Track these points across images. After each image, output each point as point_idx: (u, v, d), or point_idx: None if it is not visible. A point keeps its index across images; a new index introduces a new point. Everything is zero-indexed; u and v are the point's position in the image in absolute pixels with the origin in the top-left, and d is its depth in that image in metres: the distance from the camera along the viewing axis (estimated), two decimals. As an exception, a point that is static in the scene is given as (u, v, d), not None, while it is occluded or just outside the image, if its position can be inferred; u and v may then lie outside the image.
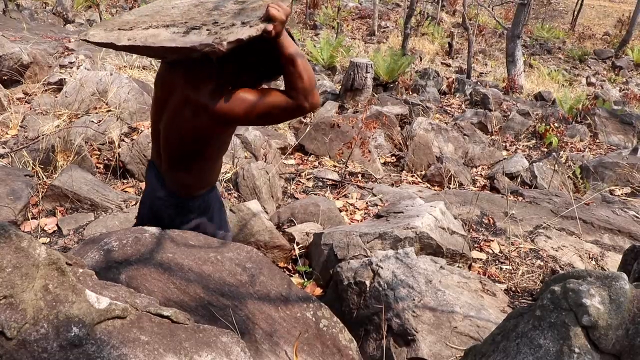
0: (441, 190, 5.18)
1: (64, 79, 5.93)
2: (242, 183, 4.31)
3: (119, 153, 4.41)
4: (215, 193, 2.36)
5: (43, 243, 2.29)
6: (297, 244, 3.51)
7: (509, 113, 8.92)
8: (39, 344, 1.30)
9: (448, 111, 9.06)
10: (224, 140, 2.11)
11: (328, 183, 5.05)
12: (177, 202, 2.24)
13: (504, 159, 6.82)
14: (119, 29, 1.90)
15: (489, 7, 14.89)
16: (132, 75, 6.38)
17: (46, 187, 3.87)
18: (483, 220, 4.07)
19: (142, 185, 4.33)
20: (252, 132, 5.07)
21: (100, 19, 10.91)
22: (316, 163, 5.74)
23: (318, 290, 3.07)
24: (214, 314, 1.92)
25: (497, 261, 3.47)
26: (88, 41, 1.90)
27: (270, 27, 1.68)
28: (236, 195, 4.29)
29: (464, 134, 7.15)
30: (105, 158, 4.52)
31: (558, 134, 7.63)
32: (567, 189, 5.68)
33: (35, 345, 1.29)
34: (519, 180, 6.02)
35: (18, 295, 1.30)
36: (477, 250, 3.58)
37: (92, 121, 4.79)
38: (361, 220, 4.15)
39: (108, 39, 1.85)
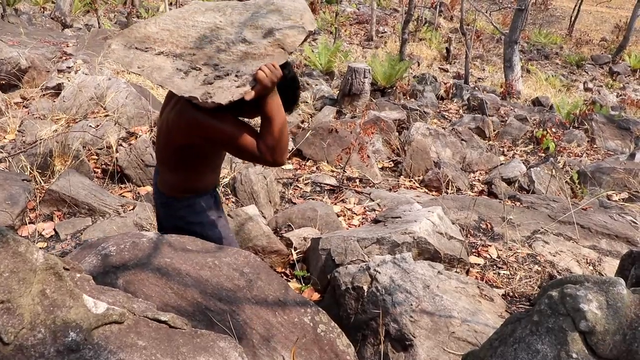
0: (439, 196, 5.19)
1: (62, 83, 5.93)
2: (239, 188, 4.31)
3: (116, 158, 4.41)
4: (207, 199, 2.40)
5: (40, 248, 2.28)
6: (295, 249, 3.51)
7: (506, 118, 8.94)
8: (36, 349, 1.29)
9: (446, 116, 9.08)
10: (205, 155, 2.21)
11: (326, 188, 5.05)
12: (164, 201, 2.37)
13: (502, 164, 6.83)
14: (136, 48, 2.08)
15: (486, 12, 14.95)
16: (130, 80, 6.38)
17: (44, 191, 3.86)
18: (481, 225, 4.07)
19: (140, 190, 4.33)
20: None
21: (99, 24, 10.92)
22: (314, 168, 5.74)
23: (316, 295, 3.07)
24: (211, 318, 1.92)
25: (494, 266, 3.47)
26: (109, 47, 2.11)
27: (250, 94, 1.89)
28: (234, 200, 4.29)
29: (462, 139, 7.16)
30: (103, 163, 4.52)
31: (555, 139, 7.64)
32: (564, 194, 5.69)
33: (33, 351, 1.29)
34: (516, 185, 6.02)
35: (15, 300, 1.29)
36: (475, 256, 3.58)
37: (90, 126, 4.78)
38: (359, 226, 4.15)
39: (123, 60, 2.04)
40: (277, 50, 2.02)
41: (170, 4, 14.88)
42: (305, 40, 2.11)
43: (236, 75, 1.94)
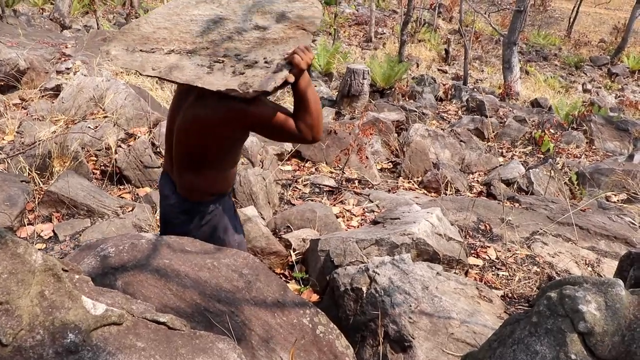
0: (438, 197, 5.18)
1: (61, 84, 5.93)
2: (238, 189, 4.31)
3: (115, 159, 4.41)
4: (227, 201, 2.38)
5: (39, 249, 2.28)
6: (294, 250, 3.51)
7: (505, 119, 8.95)
8: (35, 350, 1.29)
9: (445, 117, 9.08)
10: (233, 150, 2.20)
11: (325, 189, 5.05)
12: (188, 207, 2.29)
13: (501, 165, 6.83)
14: (140, 50, 2.01)
15: (485, 13, 14.95)
16: (129, 81, 6.38)
17: (42, 193, 3.86)
18: (479, 226, 4.08)
19: (139, 191, 4.33)
20: (248, 138, 5.07)
21: (98, 25, 10.91)
22: (313, 169, 5.74)
23: (315, 297, 3.07)
24: (210, 320, 1.92)
25: (493, 267, 3.47)
26: (108, 54, 2.01)
27: (291, 77, 1.90)
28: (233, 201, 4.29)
29: (461, 141, 7.17)
30: (101, 164, 4.52)
31: (554, 141, 7.65)
32: (563, 195, 5.69)
33: (31, 352, 1.29)
34: (515, 186, 6.03)
35: (14, 302, 1.29)
36: (474, 257, 3.58)
37: (89, 127, 4.79)
38: (358, 227, 4.15)
39: (132, 65, 1.97)
40: (299, 32, 2.03)
41: (169, 5, 14.86)
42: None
43: (265, 62, 1.93)
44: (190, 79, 1.88)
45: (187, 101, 2.09)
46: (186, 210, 2.30)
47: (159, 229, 2.59)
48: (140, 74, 1.96)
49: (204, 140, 2.08)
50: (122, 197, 4.18)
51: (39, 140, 4.37)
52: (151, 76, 1.95)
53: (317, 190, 5.01)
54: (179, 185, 2.25)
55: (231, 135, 2.09)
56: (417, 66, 14.01)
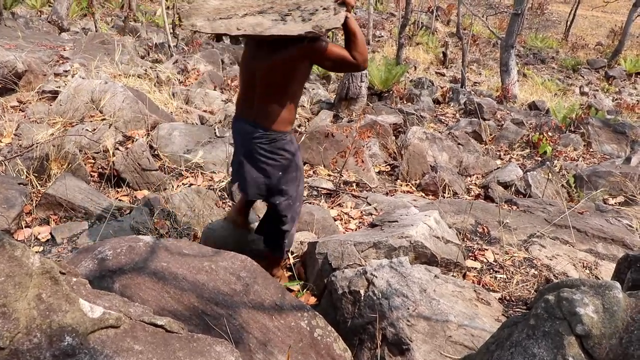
0: (435, 199, 5.19)
1: (59, 87, 5.92)
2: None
3: (113, 162, 4.41)
4: (295, 140, 2.90)
5: (36, 252, 2.28)
6: (292, 253, 3.51)
7: (503, 122, 8.96)
8: (32, 353, 1.29)
9: (442, 120, 9.09)
10: (302, 81, 2.73)
11: (322, 192, 5.05)
12: (274, 136, 2.75)
13: (498, 168, 6.84)
14: (220, 18, 2.52)
15: (483, 16, 14.99)
16: (127, 84, 6.38)
17: (40, 195, 3.86)
18: (477, 229, 4.08)
19: (137, 194, 4.32)
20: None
21: (96, 28, 10.91)
22: (311, 172, 5.74)
23: (312, 300, 3.06)
24: (208, 323, 1.92)
25: (491, 270, 3.48)
26: (198, 31, 2.54)
27: (348, 14, 2.49)
28: (231, 204, 4.29)
29: (459, 143, 7.17)
30: (99, 166, 4.51)
31: (552, 143, 7.66)
32: (561, 197, 5.70)
33: (28, 355, 1.28)
34: (513, 189, 6.03)
35: (11, 305, 1.29)
36: (472, 259, 3.59)
37: (87, 129, 4.78)
38: (356, 229, 4.15)
39: (219, 29, 2.44)
40: None
41: (168, 7, 14.89)
42: None
43: (324, 8, 2.49)
44: (271, 31, 2.36)
45: (263, 50, 2.60)
46: (272, 139, 2.74)
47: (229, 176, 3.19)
48: (230, 35, 2.45)
49: (284, 74, 2.61)
50: (120, 200, 4.17)
51: (37, 143, 4.36)
52: (239, 35, 2.41)
53: (315, 192, 5.01)
54: (264, 117, 2.72)
55: (304, 70, 2.65)
56: (415, 69, 14.04)
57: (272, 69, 2.61)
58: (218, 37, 13.98)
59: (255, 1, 2.64)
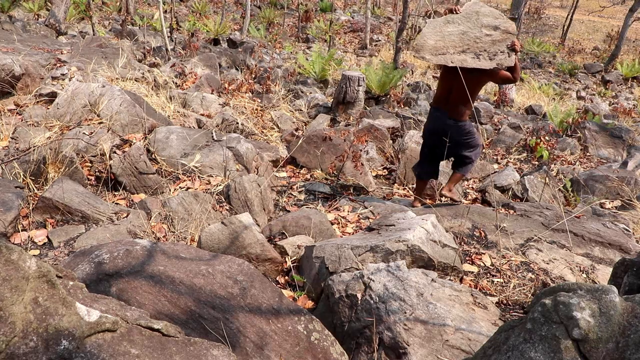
0: (433, 203, 5.19)
1: (56, 90, 5.91)
2: (233, 195, 4.31)
3: (110, 165, 4.40)
4: (472, 124, 4.65)
5: (33, 255, 2.27)
6: (289, 256, 3.50)
7: (500, 126, 8.99)
8: (28, 357, 1.29)
9: (439, 124, 9.09)
10: (479, 92, 4.59)
11: (320, 196, 5.05)
12: (459, 124, 4.53)
13: (495, 172, 6.85)
14: (440, 54, 4.15)
15: (479, 21, 14.99)
16: (125, 87, 6.38)
17: (37, 198, 3.85)
18: (474, 233, 4.08)
19: (134, 197, 4.32)
20: (243, 145, 5.08)
21: (93, 31, 10.92)
22: (308, 176, 5.74)
23: (309, 303, 3.06)
24: (204, 326, 1.91)
25: (488, 274, 3.48)
26: (424, 58, 4.18)
27: (518, 56, 4.26)
28: (228, 208, 4.29)
29: (456, 147, 7.17)
30: (96, 170, 4.51)
31: (549, 147, 7.69)
32: (557, 202, 5.71)
33: (24, 359, 1.28)
34: (510, 193, 6.05)
35: (7, 308, 1.29)
36: (469, 263, 3.59)
37: (84, 133, 4.77)
38: (353, 233, 4.15)
39: (440, 61, 4.19)
40: (507, 35, 4.22)
41: (165, 11, 14.91)
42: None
43: (500, 52, 4.19)
44: (475, 65, 4.17)
45: (459, 74, 4.01)
46: (459, 125, 4.52)
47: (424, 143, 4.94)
48: (447, 65, 4.20)
49: (474, 87, 4.34)
50: (117, 204, 4.16)
51: (34, 146, 4.35)
52: (452, 64, 4.14)
53: (312, 196, 5.02)
54: (454, 113, 4.49)
55: (484, 85, 4.56)
56: (412, 73, 14.06)
57: (471, 83, 4.18)
58: (216, 41, 14.00)
59: (458, 43, 4.17)
